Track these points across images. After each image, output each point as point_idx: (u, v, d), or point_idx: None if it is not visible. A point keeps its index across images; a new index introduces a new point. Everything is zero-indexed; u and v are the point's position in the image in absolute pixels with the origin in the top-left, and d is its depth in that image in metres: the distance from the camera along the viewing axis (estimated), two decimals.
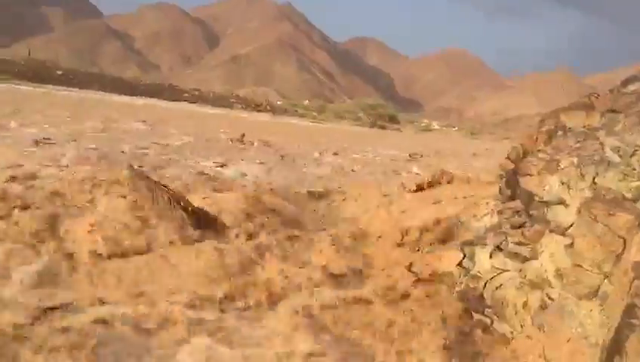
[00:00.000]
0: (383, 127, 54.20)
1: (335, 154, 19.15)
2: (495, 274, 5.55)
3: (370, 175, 14.21)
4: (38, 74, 46.99)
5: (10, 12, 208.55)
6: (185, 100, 50.37)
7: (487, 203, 6.95)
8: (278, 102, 72.06)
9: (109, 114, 23.22)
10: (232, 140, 19.36)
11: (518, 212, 5.75)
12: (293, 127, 34.74)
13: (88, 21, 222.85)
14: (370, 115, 59.19)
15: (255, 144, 19.17)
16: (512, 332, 5.03)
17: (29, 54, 67.11)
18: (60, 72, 51.87)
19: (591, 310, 4.20)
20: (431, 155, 22.45)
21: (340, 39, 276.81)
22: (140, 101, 39.94)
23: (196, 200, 7.92)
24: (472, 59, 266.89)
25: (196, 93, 58.58)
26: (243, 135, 20.39)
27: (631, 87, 5.81)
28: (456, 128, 70.48)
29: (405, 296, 5.84)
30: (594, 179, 4.83)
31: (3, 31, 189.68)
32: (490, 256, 5.67)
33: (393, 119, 63.26)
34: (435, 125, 70.52)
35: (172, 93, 54.10)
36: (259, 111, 53.04)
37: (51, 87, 41.46)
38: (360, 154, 20.38)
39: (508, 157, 6.58)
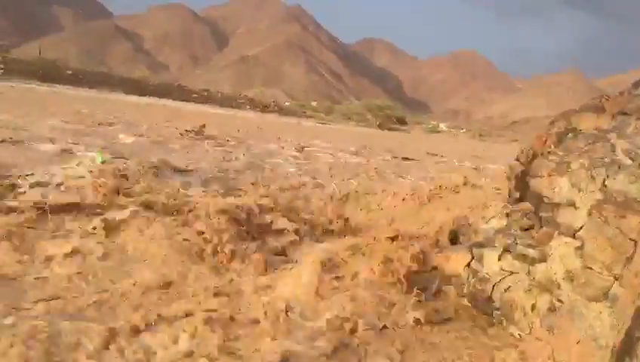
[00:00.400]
0: (390, 129, 54.21)
1: (300, 149, 17.81)
2: (504, 276, 5.54)
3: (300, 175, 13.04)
4: (48, 73, 47.32)
5: (22, 12, 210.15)
6: (193, 101, 50.59)
7: (495, 204, 6.92)
8: (286, 103, 72.32)
9: (81, 111, 22.13)
10: (181, 134, 17.40)
11: (527, 214, 5.73)
12: (290, 127, 34.44)
13: (98, 21, 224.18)
14: (378, 117, 59.22)
15: (208, 140, 17.36)
16: (520, 335, 5.01)
17: (40, 53, 67.52)
18: (69, 72, 52.19)
19: (601, 312, 4.18)
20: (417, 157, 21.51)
21: (349, 41, 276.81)
22: (146, 100, 40.17)
23: None
24: (481, 61, 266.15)
25: (205, 93, 58.79)
26: (203, 126, 18.75)
27: None
28: (464, 130, 70.34)
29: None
30: (604, 181, 4.80)
31: (15, 30, 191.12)
32: (499, 258, 5.66)
33: (401, 121, 63.28)
34: (443, 127, 70.42)
35: (181, 94, 54.33)
36: (266, 112, 53.16)
37: (60, 86, 41.71)
38: (322, 153, 18.75)
39: (517, 159, 6.56)
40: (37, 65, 50.44)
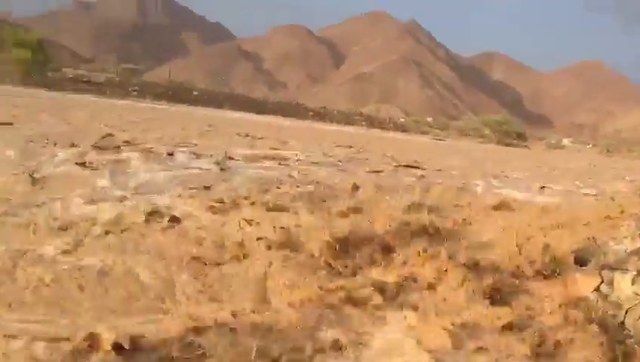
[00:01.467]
0: (508, 144, 52.50)
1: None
2: (638, 301, 5.22)
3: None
4: (177, 94, 50.73)
5: (155, 39, 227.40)
6: (310, 118, 52.08)
7: (628, 224, 6.54)
8: (401, 120, 71.92)
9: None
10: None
11: None
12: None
13: (222, 44, 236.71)
14: (497, 132, 57.51)
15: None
16: None
17: (169, 76, 72.54)
18: (195, 93, 55.61)
19: None
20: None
21: (467, 55, 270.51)
22: (265, 119, 41.70)
23: None
24: (608, 72, 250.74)
25: (322, 111, 60.21)
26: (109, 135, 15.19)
27: None
28: (591, 145, 66.40)
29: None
30: None
31: (149, 56, 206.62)
32: (633, 282, 5.34)
33: (521, 136, 61.01)
34: (567, 142, 66.90)
35: (298, 111, 56.05)
36: (382, 128, 53.48)
37: (186, 105, 44.51)
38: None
39: None
40: (167, 87, 54.26)
